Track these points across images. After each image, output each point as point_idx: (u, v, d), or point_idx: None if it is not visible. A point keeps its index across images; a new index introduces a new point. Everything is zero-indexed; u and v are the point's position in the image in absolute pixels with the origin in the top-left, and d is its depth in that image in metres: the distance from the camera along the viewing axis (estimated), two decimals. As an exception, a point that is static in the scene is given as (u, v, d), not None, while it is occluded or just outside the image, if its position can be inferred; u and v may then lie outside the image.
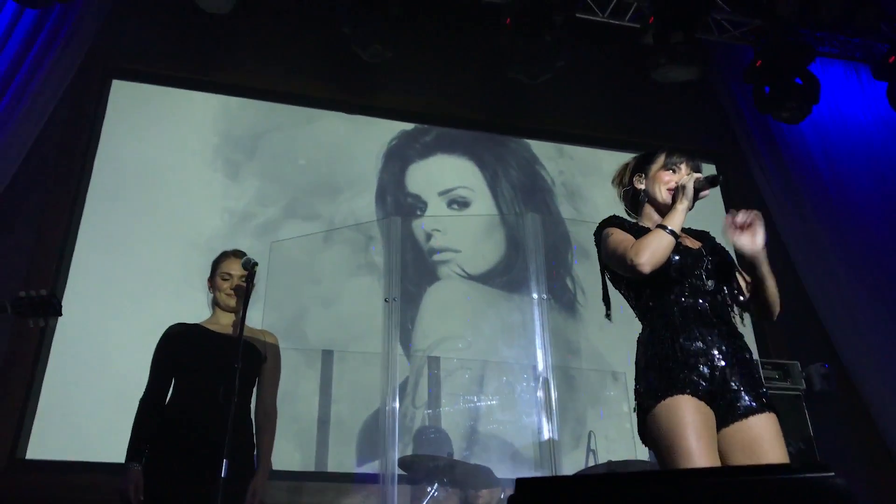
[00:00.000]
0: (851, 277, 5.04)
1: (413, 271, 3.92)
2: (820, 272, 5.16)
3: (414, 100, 5.76)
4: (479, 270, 4.59)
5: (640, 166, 2.54)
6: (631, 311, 2.42)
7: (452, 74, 5.79)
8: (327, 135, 5.48)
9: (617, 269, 2.34)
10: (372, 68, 5.30)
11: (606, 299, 2.46)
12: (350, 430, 4.45)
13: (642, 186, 2.50)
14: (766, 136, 5.68)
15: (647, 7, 5.49)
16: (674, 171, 2.43)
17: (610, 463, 3.84)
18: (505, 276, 4.50)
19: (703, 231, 2.54)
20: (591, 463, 4.24)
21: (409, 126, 5.70)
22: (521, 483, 1.25)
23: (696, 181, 2.32)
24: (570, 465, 4.25)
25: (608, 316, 2.47)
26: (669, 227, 2.23)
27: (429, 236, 4.32)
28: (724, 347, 2.19)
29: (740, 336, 2.28)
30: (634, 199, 2.56)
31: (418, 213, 4.00)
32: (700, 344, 2.17)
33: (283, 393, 4.04)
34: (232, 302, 3.14)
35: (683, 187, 2.31)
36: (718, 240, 2.47)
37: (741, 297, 2.35)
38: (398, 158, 5.48)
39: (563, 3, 5.12)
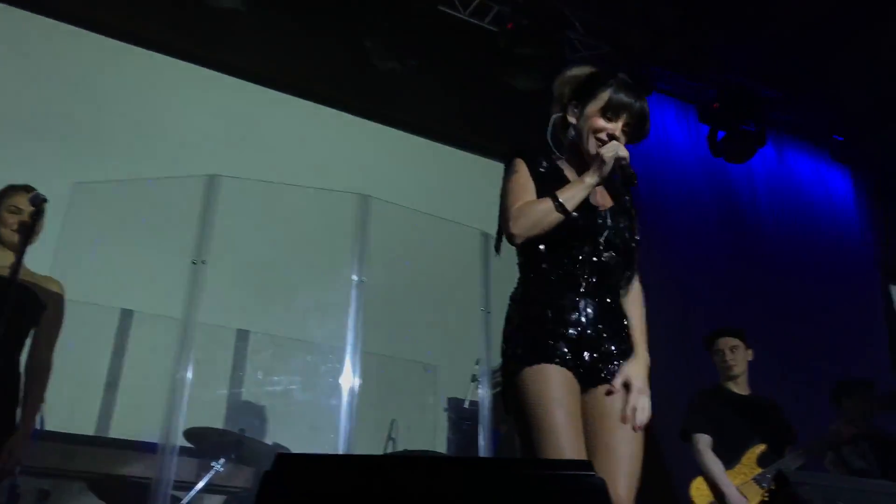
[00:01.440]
0: (655, 306, 5.37)
1: (229, 235, 3.73)
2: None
3: (265, 62, 5.50)
4: (300, 245, 4.45)
5: (580, 93, 2.18)
6: (446, 309, 2.35)
7: (301, 40, 5.57)
8: (155, 81, 5.09)
9: (499, 220, 2.11)
10: (224, 20, 5.00)
11: (499, 234, 2.16)
12: (140, 396, 4.16)
13: (574, 121, 2.17)
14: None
15: (507, 13, 5.59)
16: (611, 119, 2.09)
17: (406, 451, 3.85)
18: (326, 255, 4.40)
19: (628, 176, 2.15)
20: (389, 450, 4.25)
21: (258, 87, 5.44)
22: (279, 458, 1.17)
23: (618, 161, 2.02)
24: (368, 451, 4.22)
25: (497, 252, 2.18)
26: (562, 201, 1.99)
27: (251, 202, 4.13)
28: (599, 318, 2.03)
29: (620, 309, 2.11)
30: (564, 129, 2.23)
31: (242, 176, 3.80)
32: (575, 313, 2.01)
33: (69, 350, 3.72)
34: (16, 238, 2.84)
35: (602, 161, 2.01)
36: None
37: (627, 278, 2.15)
38: (235, 117, 5.21)
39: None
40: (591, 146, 2.09)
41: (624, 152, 2.03)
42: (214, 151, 4.89)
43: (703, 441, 3.80)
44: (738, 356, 3.94)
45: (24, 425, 2.78)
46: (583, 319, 2.02)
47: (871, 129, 6.97)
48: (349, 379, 3.67)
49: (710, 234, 6.14)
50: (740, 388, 3.95)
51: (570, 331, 2.00)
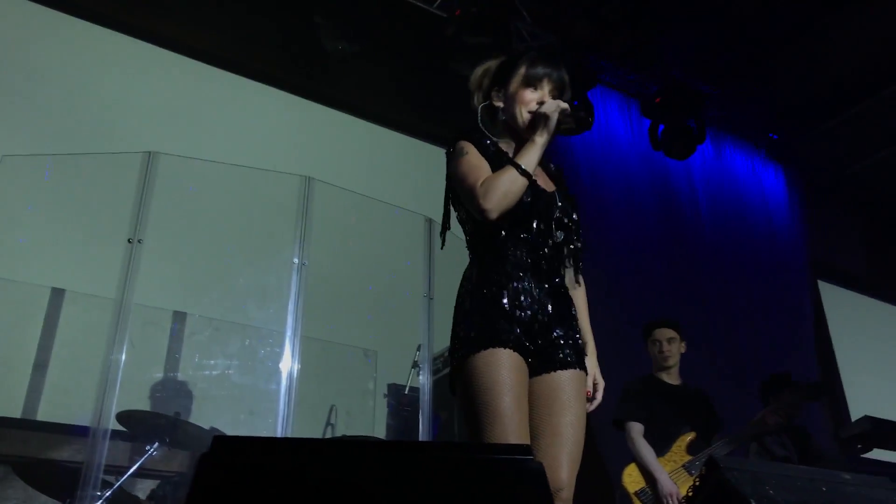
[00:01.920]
0: (594, 293, 5.47)
1: (167, 215, 3.63)
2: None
3: (208, 38, 5.36)
4: (240, 226, 4.37)
5: (498, 79, 2.23)
6: (390, 294, 2.34)
7: (246, 17, 5.45)
8: (93, 53, 4.92)
9: (464, 203, 2.09)
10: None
11: (446, 219, 2.22)
12: (70, 378, 4.04)
13: (500, 104, 2.21)
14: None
15: (456, -1, 5.58)
16: (535, 89, 2.14)
17: (343, 437, 3.84)
18: (266, 237, 4.33)
19: (558, 167, 2.32)
20: (328, 436, 4.23)
21: (199, 64, 5.30)
22: (216, 440, 1.16)
23: (562, 113, 2.04)
24: (307, 435, 4.19)
25: (443, 237, 2.24)
26: (523, 166, 2.00)
27: (190, 181, 4.03)
28: (550, 301, 2.05)
29: (567, 291, 2.13)
30: (493, 116, 2.24)
31: (181, 154, 3.71)
32: (526, 298, 2.02)
33: (-2, 330, 3.58)
34: None
35: (546, 117, 2.04)
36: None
37: (576, 262, 2.18)
38: (175, 93, 5.07)
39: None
40: (525, 118, 2.12)
41: (564, 104, 2.05)
42: (152, 128, 4.74)
43: (636, 429, 3.90)
44: (673, 347, 4.06)
45: None
46: (535, 304, 2.03)
47: (803, 127, 7.22)
48: (288, 363, 3.63)
49: (647, 227, 6.28)
50: (672, 378, 4.07)
51: (523, 314, 2.01)
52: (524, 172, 2.01)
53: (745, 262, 6.77)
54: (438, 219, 2.29)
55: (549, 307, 2.06)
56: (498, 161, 2.10)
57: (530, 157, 2.03)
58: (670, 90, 6.28)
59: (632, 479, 3.86)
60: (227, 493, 1.07)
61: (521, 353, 1.99)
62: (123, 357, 3.22)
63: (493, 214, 1.99)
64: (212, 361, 4.09)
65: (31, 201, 4.06)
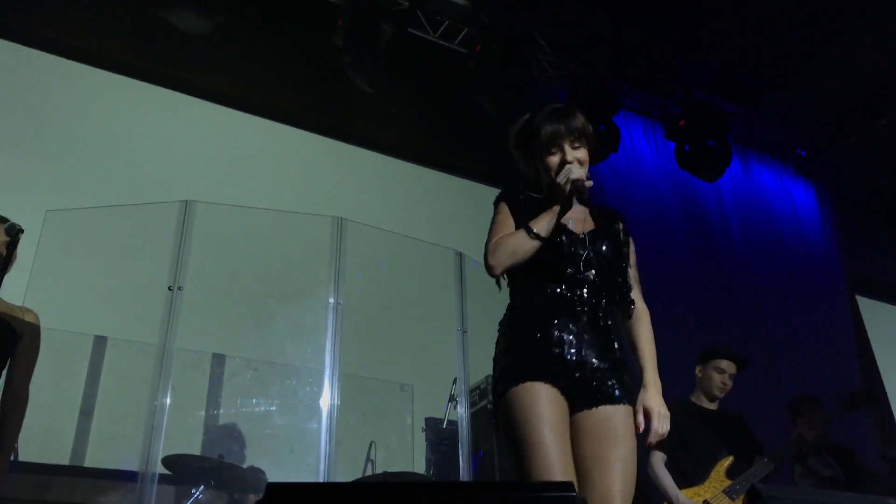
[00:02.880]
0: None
1: (204, 261, 3.72)
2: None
3: (236, 85, 5.50)
4: (276, 269, 4.45)
5: (523, 145, 2.31)
6: (423, 330, 2.39)
7: (271, 62, 5.59)
8: (126, 105, 5.08)
9: None
10: (194, 42, 5.00)
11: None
12: (115, 423, 4.12)
13: (533, 171, 2.31)
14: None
15: (476, 34, 5.68)
16: (555, 153, 2.20)
17: (386, 474, 3.85)
18: (301, 277, 4.40)
19: (611, 211, 2.36)
20: (369, 473, 4.24)
21: (229, 110, 5.44)
22: (270, 488, 1.20)
23: (576, 183, 2.10)
24: (348, 474, 4.21)
25: (498, 284, 2.25)
26: (535, 230, 2.10)
27: (226, 226, 4.13)
28: (588, 338, 2.09)
29: (607, 327, 2.14)
30: (535, 179, 2.34)
31: (216, 202, 3.81)
32: (561, 333, 2.08)
33: (43, 378, 3.67)
34: None
35: (560, 186, 2.11)
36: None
37: (620, 296, 2.20)
38: (207, 141, 5.20)
39: (394, 14, 5.18)
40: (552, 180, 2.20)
41: (577, 173, 2.12)
42: (187, 175, 4.88)
43: (657, 457, 3.85)
44: (731, 382, 4.01)
45: (2, 456, 2.75)
46: (570, 341, 2.08)
47: (831, 141, 7.16)
48: (328, 401, 3.67)
49: (678, 249, 6.25)
50: (708, 403, 4.02)
51: (556, 350, 2.06)
52: (535, 235, 2.09)
53: (780, 280, 6.69)
54: (468, 252, 2.39)
55: (587, 344, 2.09)
56: (532, 211, 2.19)
57: (543, 223, 2.11)
58: (693, 111, 6.30)
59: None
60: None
61: (558, 388, 2.03)
62: (168, 401, 3.29)
63: (497, 271, 2.12)
64: (253, 401, 4.15)
65: (75, 253, 4.19)
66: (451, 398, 4.23)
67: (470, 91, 5.47)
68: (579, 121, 2.22)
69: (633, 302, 2.24)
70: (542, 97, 6.24)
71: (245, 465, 3.77)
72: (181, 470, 3.51)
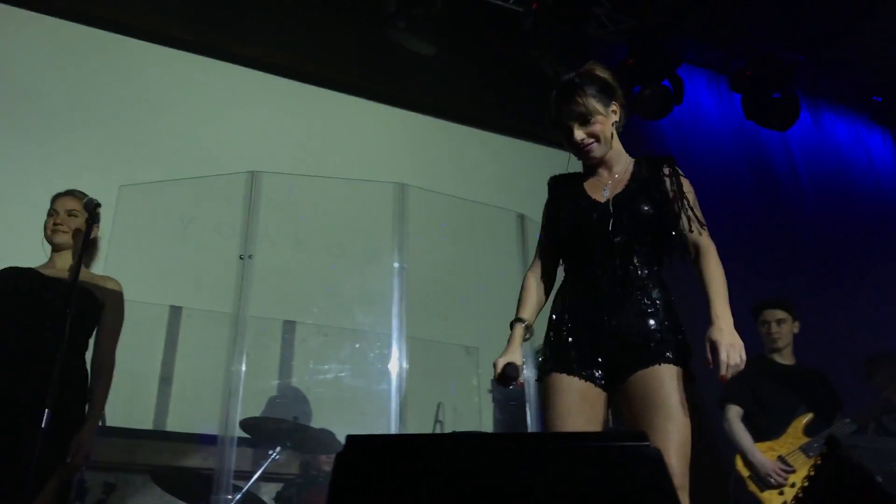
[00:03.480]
0: (690, 275, 5.37)
1: (273, 231, 3.81)
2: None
3: (294, 56, 5.57)
4: (341, 236, 4.53)
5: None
6: (482, 286, 2.46)
7: (328, 31, 5.63)
8: (191, 81, 5.20)
9: None
10: (254, 14, 5.09)
11: None
12: (193, 389, 4.29)
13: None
14: (629, 130, 5.94)
15: (531, -8, 5.58)
16: (569, 135, 2.25)
17: (454, 434, 3.91)
18: (366, 244, 4.47)
19: (656, 159, 2.31)
20: (438, 433, 4.32)
21: (288, 81, 5.52)
22: (350, 440, 1.23)
23: (505, 379, 2.16)
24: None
25: None
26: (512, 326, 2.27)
27: (292, 196, 4.22)
28: (616, 308, 2.10)
29: (646, 288, 2.13)
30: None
31: (281, 171, 3.89)
32: (582, 314, 2.12)
33: (124, 347, 3.83)
34: (58, 238, 2.94)
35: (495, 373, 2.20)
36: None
37: (661, 248, 2.20)
38: (270, 113, 5.29)
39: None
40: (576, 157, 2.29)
41: (501, 369, 2.16)
42: (253, 148, 4.98)
43: (733, 412, 3.80)
44: (783, 329, 3.93)
45: (92, 421, 2.87)
46: (592, 319, 2.12)
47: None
48: (396, 364, 3.74)
49: (746, 205, 6.10)
50: (784, 358, 3.94)
51: (585, 335, 2.11)
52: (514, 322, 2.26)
53: (854, 233, 6.46)
54: (529, 213, 2.43)
55: (615, 315, 2.11)
56: (565, 195, 2.29)
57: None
58: (759, 62, 6.08)
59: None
60: (364, 487, 1.15)
61: (581, 377, 2.09)
62: (243, 368, 3.40)
63: None
64: (325, 366, 4.26)
65: (146, 225, 4.34)
66: (517, 359, 4.24)
67: (527, 51, 5.39)
68: (581, 102, 2.19)
69: (680, 249, 2.21)
70: (600, 54, 6.12)
71: (318, 427, 3.88)
72: (258, 432, 3.63)
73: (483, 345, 4.93)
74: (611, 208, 2.18)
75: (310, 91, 5.54)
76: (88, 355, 2.94)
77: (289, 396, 4.16)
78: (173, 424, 4.29)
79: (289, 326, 4.54)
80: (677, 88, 5.72)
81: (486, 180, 5.58)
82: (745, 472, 3.74)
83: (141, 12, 5.15)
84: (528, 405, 3.87)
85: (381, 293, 3.90)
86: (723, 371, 2.03)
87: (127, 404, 4.04)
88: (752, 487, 3.69)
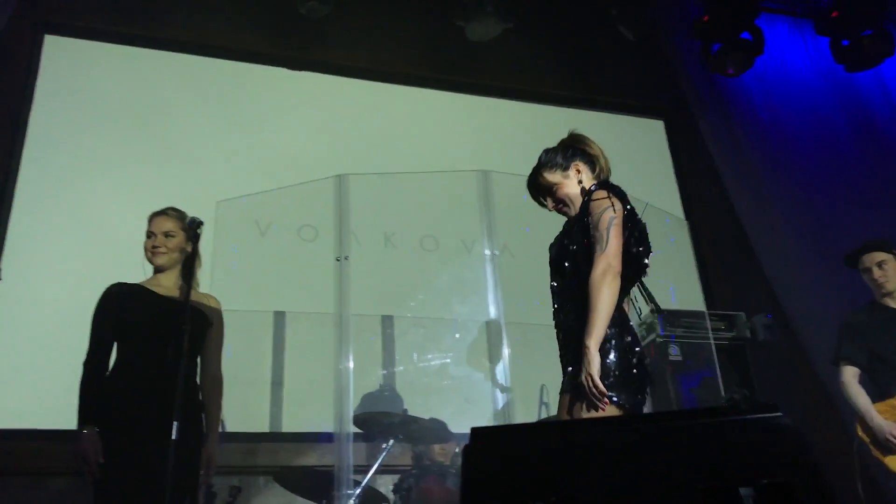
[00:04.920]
0: (792, 229, 5.18)
1: (364, 231, 3.89)
2: (763, 225, 5.28)
3: (356, 55, 5.65)
4: (431, 228, 4.57)
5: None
6: (579, 267, 2.46)
7: (396, 29, 5.67)
8: (272, 92, 5.35)
9: None
10: (316, 24, 5.20)
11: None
12: (304, 390, 4.43)
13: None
14: (712, 91, 5.75)
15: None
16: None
17: (580, 420, 3.88)
18: (455, 234, 4.49)
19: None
20: (544, 415, 4.31)
21: (364, 83, 5.60)
22: (475, 432, 1.25)
23: None
24: (524, 418, 4.31)
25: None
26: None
27: (379, 195, 4.28)
28: (564, 347, 2.50)
29: (576, 329, 2.36)
30: None
31: (366, 171, 3.96)
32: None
33: (235, 355, 4.00)
34: (158, 261, 3.04)
35: None
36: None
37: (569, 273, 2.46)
38: (350, 116, 5.39)
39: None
40: None
41: None
42: (338, 151, 5.10)
43: (849, 372, 3.61)
44: (888, 271, 3.69)
45: (213, 432, 3.02)
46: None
47: None
48: (497, 350, 3.75)
49: (843, 152, 5.79)
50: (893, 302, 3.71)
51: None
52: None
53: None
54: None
55: (563, 352, 2.53)
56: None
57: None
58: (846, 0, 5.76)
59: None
60: (495, 478, 1.16)
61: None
62: (351, 365, 3.49)
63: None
64: (428, 356, 4.32)
65: (244, 237, 4.50)
66: (619, 335, 4.19)
67: (601, 19, 5.28)
68: (535, 193, 2.72)
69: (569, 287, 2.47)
70: (677, 12, 5.91)
71: (427, 418, 3.93)
72: (371, 427, 3.71)
73: (581, 323, 4.89)
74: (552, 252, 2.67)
75: (384, 90, 5.61)
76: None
77: (396, 389, 4.24)
78: (288, 425, 4.44)
79: (388, 321, 4.62)
80: (758, 40, 5.48)
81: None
82: (866, 438, 3.55)
83: (222, 32, 5.35)
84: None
85: (475, 281, 3.92)
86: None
87: (243, 410, 4.20)
88: (876, 453, 3.51)
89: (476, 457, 1.19)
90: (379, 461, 3.54)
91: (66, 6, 5.06)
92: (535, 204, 2.67)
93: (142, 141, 4.90)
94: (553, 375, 4.73)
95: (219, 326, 3.15)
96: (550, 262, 2.54)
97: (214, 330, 3.12)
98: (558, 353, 2.51)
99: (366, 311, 4.41)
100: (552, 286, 2.53)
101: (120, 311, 2.94)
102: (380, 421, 3.65)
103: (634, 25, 5.23)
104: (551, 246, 2.58)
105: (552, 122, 5.89)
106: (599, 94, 6.02)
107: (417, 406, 3.97)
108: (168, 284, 3.06)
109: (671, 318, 4.50)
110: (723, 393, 4.10)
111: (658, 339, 4.45)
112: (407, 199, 4.44)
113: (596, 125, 5.95)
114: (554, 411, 4.43)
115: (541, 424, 1.29)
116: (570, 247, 2.44)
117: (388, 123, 5.45)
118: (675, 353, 4.41)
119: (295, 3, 5.03)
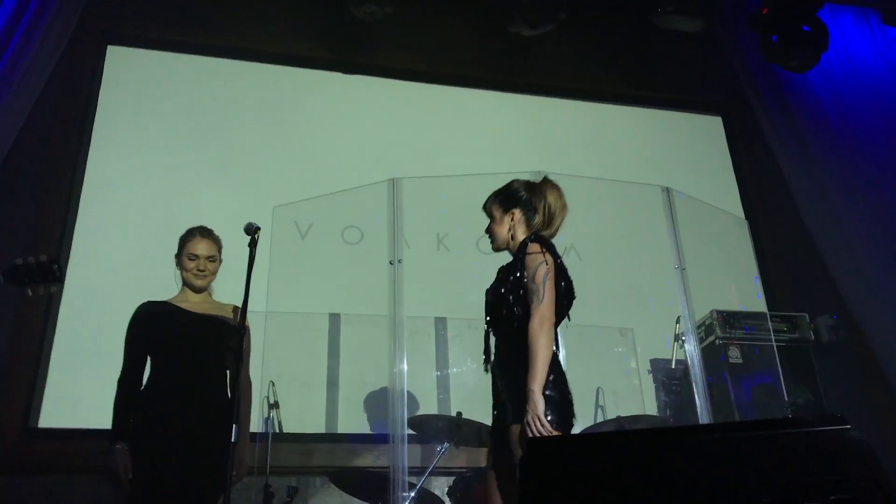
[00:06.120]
0: (859, 228, 5.00)
1: (416, 233, 3.89)
2: (827, 223, 5.11)
3: (412, 58, 5.67)
4: (481, 230, 4.54)
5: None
6: (635, 271, 2.44)
7: (451, 31, 5.68)
8: (329, 96, 5.41)
9: None
10: (369, 27, 5.24)
11: None
12: (359, 392, 4.47)
13: None
14: (773, 86, 5.59)
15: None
16: None
17: (619, 418, 3.84)
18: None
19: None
20: (600, 419, 4.25)
21: (416, 85, 5.62)
22: (532, 443, 1.24)
23: None
24: (580, 421, 4.25)
25: None
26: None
27: (431, 196, 4.29)
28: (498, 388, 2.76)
29: (505, 367, 2.73)
30: None
31: (422, 174, 3.97)
32: None
33: (293, 356, 4.05)
34: (199, 283, 3.14)
35: None
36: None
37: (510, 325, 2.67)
38: (405, 119, 5.42)
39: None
40: None
41: None
42: (393, 154, 5.13)
43: None
44: None
45: (244, 435, 3.12)
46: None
47: None
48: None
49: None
50: None
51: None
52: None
53: None
54: (674, 185, 2.45)
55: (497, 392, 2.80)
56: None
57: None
58: (915, -12, 5.54)
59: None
60: (553, 491, 1.15)
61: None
62: (405, 367, 3.50)
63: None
64: (482, 359, 4.29)
65: (298, 242, 4.56)
66: (676, 337, 4.12)
67: (648, 14, 5.19)
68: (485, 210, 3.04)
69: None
70: (733, 7, 5.77)
71: (480, 421, 3.92)
72: (425, 429, 3.72)
73: (637, 325, 4.82)
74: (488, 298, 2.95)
75: (437, 91, 5.63)
76: None
77: (449, 391, 4.24)
78: (345, 427, 4.48)
79: (440, 323, 4.63)
80: (821, 33, 5.30)
81: (626, 156, 5.46)
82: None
83: (275, 39, 5.43)
84: (693, 384, 3.73)
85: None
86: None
87: (299, 411, 4.26)
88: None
89: (534, 469, 1.18)
90: (434, 463, 3.54)
91: (127, 18, 5.20)
92: (595, 204, 2.67)
93: (201, 147, 5.01)
94: (609, 377, 4.69)
95: (248, 338, 3.22)
96: (486, 308, 2.78)
97: (245, 342, 3.18)
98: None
99: (419, 312, 4.43)
100: (487, 331, 2.81)
101: (151, 329, 3.03)
102: (434, 423, 3.66)
103: (693, 19, 5.11)
104: (487, 291, 2.81)
105: (608, 121, 5.83)
106: (655, 90, 5.92)
107: (471, 408, 3.96)
108: (196, 300, 3.15)
109: (731, 319, 4.40)
110: (786, 397, 3.99)
111: (717, 342, 4.35)
112: (462, 201, 4.43)
113: (652, 122, 5.88)
114: (610, 414, 4.39)
115: (599, 435, 1.27)
116: (508, 297, 2.66)
117: (440, 125, 5.46)
118: (735, 356, 4.31)
119: (348, 7, 5.05)
